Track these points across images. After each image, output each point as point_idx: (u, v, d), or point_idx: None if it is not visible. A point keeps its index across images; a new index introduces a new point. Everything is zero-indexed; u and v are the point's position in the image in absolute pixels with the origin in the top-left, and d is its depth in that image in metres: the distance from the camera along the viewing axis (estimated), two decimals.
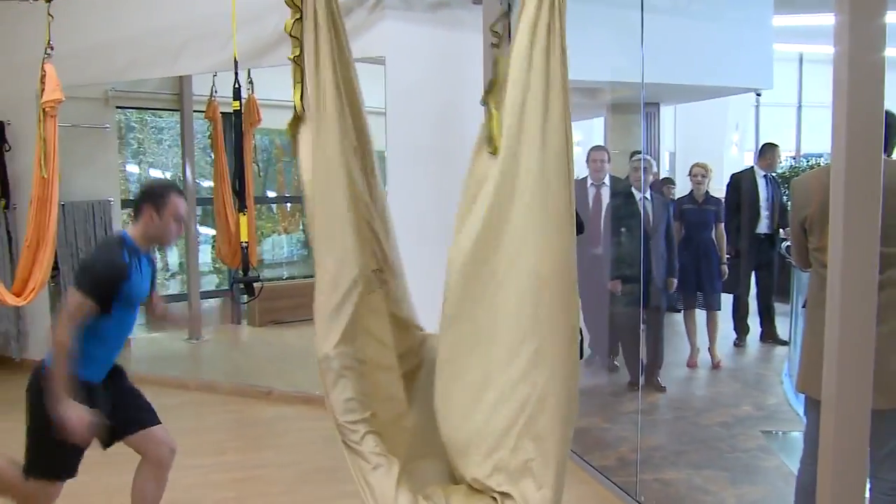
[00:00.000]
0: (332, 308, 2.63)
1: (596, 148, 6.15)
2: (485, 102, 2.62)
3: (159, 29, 5.81)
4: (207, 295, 9.19)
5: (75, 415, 2.84)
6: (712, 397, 5.79)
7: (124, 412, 3.16)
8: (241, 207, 4.25)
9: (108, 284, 2.93)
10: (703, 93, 8.73)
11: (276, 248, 10.62)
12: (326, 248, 2.66)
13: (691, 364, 6.16)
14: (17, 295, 5.08)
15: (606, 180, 5.90)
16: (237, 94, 4.14)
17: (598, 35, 6.06)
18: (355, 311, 2.68)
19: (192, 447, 4.69)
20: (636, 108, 8.91)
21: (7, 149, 6.44)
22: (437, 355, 2.70)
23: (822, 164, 7.93)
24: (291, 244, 10.76)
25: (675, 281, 5.81)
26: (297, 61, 2.68)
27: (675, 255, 5.80)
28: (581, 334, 3.13)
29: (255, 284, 4.59)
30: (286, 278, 10.22)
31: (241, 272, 4.49)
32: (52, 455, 3.01)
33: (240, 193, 4.13)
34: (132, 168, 9.23)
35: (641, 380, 5.36)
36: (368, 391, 2.68)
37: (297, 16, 2.66)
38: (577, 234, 3.17)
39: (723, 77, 7.57)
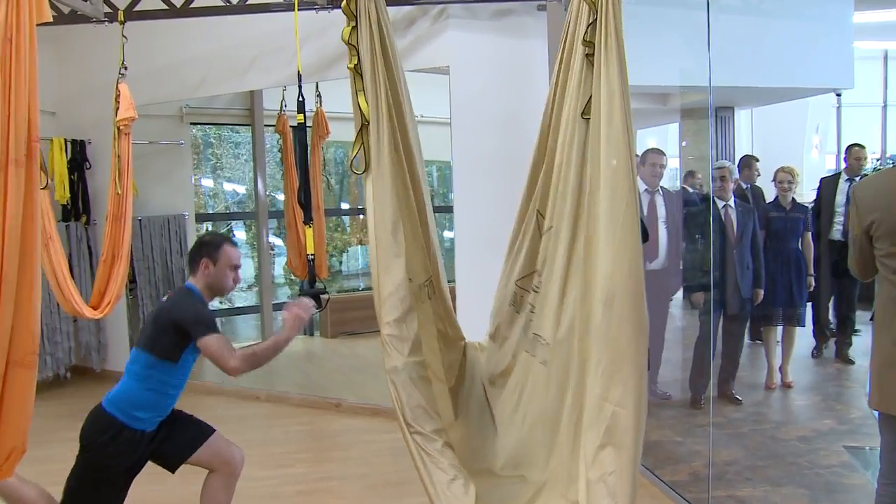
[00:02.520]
0: (397, 319, 2.66)
1: (653, 151, 5.87)
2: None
3: (228, 47, 5.97)
4: (280, 307, 9.31)
5: (294, 310, 3.10)
6: (790, 410, 5.56)
7: (179, 435, 3.23)
8: (307, 220, 4.26)
9: (212, 318, 3.07)
10: (780, 95, 8.45)
11: (351, 259, 10.71)
12: (386, 258, 2.69)
13: (769, 385, 5.83)
14: (95, 308, 5.22)
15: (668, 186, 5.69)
16: (301, 108, 4.17)
17: (667, 38, 5.91)
18: (418, 323, 2.70)
19: (259, 459, 4.74)
20: (707, 112, 8.72)
21: (88, 167, 6.68)
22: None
23: None
24: (366, 255, 10.82)
25: (762, 292, 5.54)
26: (357, 69, 2.69)
27: (761, 265, 5.53)
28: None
29: (322, 296, 4.60)
30: (363, 289, 10.27)
31: (308, 284, 4.51)
32: (92, 500, 3.08)
33: (305, 206, 4.14)
34: (207, 182, 9.43)
35: (715, 392, 5.19)
36: (434, 402, 2.70)
37: (353, 23, 2.67)
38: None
39: (800, 78, 7.30)
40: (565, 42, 2.77)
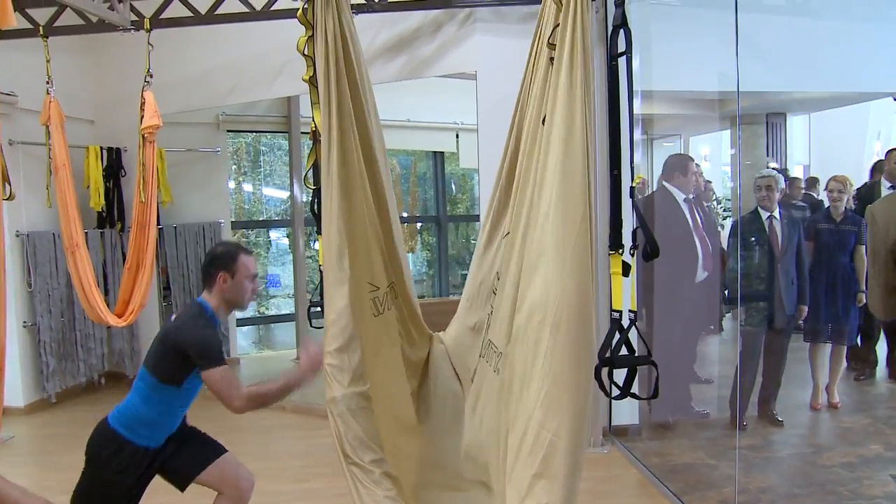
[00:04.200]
0: (338, 348, 2.58)
1: (684, 157, 5.60)
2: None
3: (258, 54, 5.94)
4: (318, 315, 9.28)
5: (313, 353, 2.88)
6: (835, 433, 5.24)
7: (189, 453, 3.13)
8: (320, 229, 4.16)
9: (220, 347, 2.92)
10: (837, 100, 8.10)
11: None
12: (330, 287, 2.64)
13: (815, 406, 5.49)
14: (119, 316, 5.24)
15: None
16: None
17: (710, 42, 5.66)
18: (362, 349, 2.61)
19: (276, 472, 4.66)
20: (761, 118, 8.41)
21: (123, 174, 6.72)
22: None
23: None
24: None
25: (806, 308, 5.23)
26: (313, 82, 2.59)
27: (806, 281, 5.22)
28: (657, 370, 2.86)
29: None
30: None
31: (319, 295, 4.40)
32: None
33: (318, 215, 4.03)
34: (248, 187, 9.48)
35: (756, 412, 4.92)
36: (378, 426, 2.62)
37: (310, 33, 2.58)
38: (650, 258, 2.90)
39: (858, 82, 6.96)
40: (536, 44, 2.65)
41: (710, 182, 6.55)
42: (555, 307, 2.23)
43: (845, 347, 5.53)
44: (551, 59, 2.40)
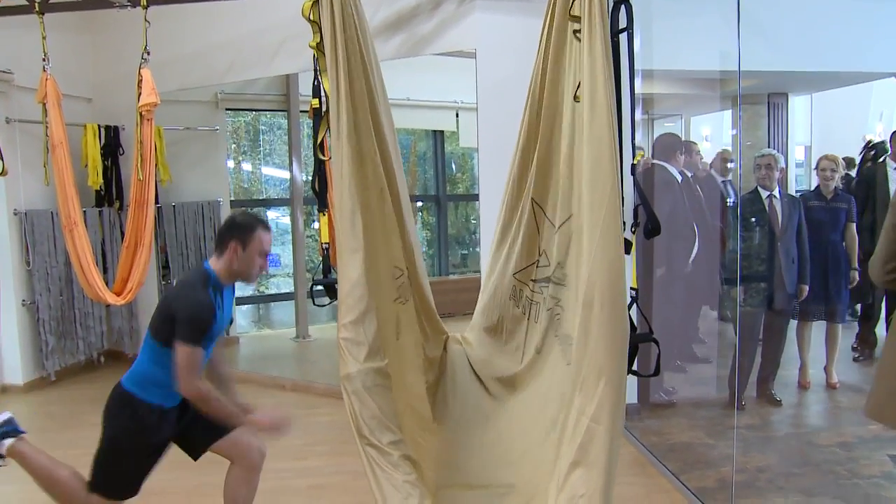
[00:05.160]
0: (353, 320, 2.47)
1: (673, 136, 5.54)
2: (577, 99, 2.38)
3: (256, 31, 5.88)
4: (320, 294, 9.26)
5: (265, 419, 3.03)
6: (832, 413, 5.24)
7: (205, 421, 3.10)
8: (322, 207, 4.13)
9: (205, 328, 2.89)
10: (839, 80, 8.03)
11: None
12: (343, 253, 2.50)
13: (804, 384, 5.51)
14: (118, 294, 5.21)
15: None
16: (316, 91, 4.05)
17: (711, 20, 5.62)
18: (379, 323, 2.52)
19: (274, 450, 4.60)
20: (762, 98, 8.34)
21: (121, 153, 6.69)
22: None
23: None
24: None
25: (807, 288, 5.21)
26: (320, 48, 2.52)
27: (806, 259, 5.19)
28: (658, 347, 2.86)
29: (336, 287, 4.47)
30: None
31: (322, 274, 4.38)
32: (117, 475, 3.03)
33: (319, 193, 4.00)
34: (247, 166, 9.44)
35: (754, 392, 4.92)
36: (393, 413, 2.50)
37: None
38: (651, 236, 2.88)
39: (861, 61, 6.90)
40: (551, 15, 2.56)
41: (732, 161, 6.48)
42: (586, 289, 2.17)
43: (839, 326, 5.50)
44: (574, 31, 2.32)
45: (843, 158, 5.96)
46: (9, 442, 3.09)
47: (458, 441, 2.81)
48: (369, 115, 2.57)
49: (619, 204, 2.15)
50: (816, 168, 5.65)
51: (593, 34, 2.15)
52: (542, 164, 2.66)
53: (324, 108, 2.56)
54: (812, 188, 5.69)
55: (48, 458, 3.13)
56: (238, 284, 3.18)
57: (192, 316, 2.86)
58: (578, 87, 2.32)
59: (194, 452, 3.21)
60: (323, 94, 2.52)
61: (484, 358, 2.96)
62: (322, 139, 2.61)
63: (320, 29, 2.50)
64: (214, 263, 3.02)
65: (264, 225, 3.05)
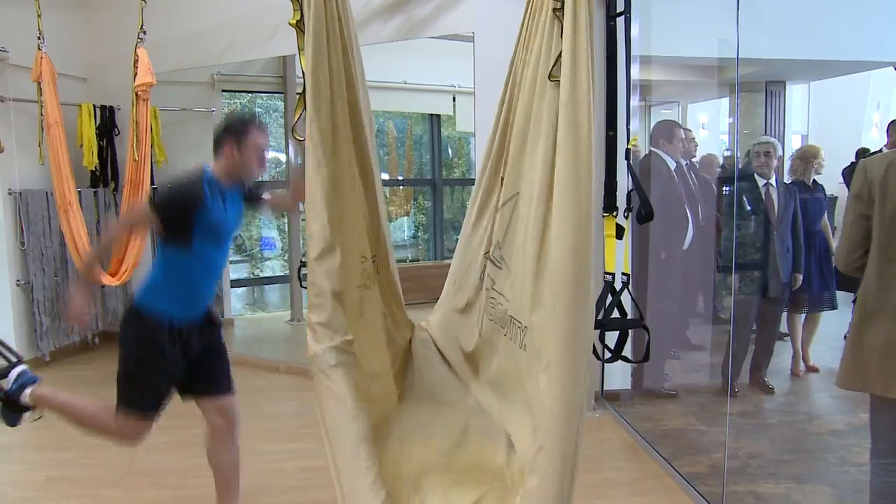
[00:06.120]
0: (321, 296, 2.40)
1: (674, 124, 5.55)
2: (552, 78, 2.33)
3: (253, 12, 5.85)
4: None
5: (78, 299, 2.97)
6: (824, 401, 5.27)
7: (205, 371, 3.15)
8: None
9: (178, 208, 2.88)
10: (837, 68, 8.02)
11: (395, 230, 10.59)
12: (316, 228, 2.42)
13: (796, 373, 5.57)
14: (113, 275, 5.23)
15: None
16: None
17: (710, 6, 5.60)
18: (350, 304, 2.48)
19: (268, 433, 4.68)
20: (760, 86, 8.34)
21: (117, 133, 6.66)
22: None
23: None
24: (409, 227, 10.70)
25: (801, 277, 5.23)
26: (300, 26, 2.48)
27: (801, 248, 5.20)
28: (648, 334, 2.86)
29: None
30: (410, 261, 10.16)
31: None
32: (137, 388, 3.01)
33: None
34: None
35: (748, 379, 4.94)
36: (362, 392, 2.46)
37: None
38: (644, 221, 2.88)
39: (859, 50, 6.90)
40: None
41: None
42: (550, 272, 2.12)
43: (821, 315, 5.54)
44: (555, 10, 2.27)
45: (857, 150, 5.97)
46: (29, 390, 3.13)
47: (430, 427, 2.76)
48: (345, 95, 2.54)
49: (590, 190, 2.09)
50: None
51: (578, 12, 2.09)
52: (512, 144, 2.62)
53: (301, 88, 2.50)
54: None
55: (69, 395, 3.17)
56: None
57: (173, 194, 2.94)
58: (554, 65, 2.27)
59: (184, 393, 3.20)
60: (300, 72, 2.47)
61: (453, 336, 2.92)
62: (298, 117, 2.57)
63: (301, 6, 2.46)
64: (213, 164, 3.04)
65: (259, 124, 3.08)
